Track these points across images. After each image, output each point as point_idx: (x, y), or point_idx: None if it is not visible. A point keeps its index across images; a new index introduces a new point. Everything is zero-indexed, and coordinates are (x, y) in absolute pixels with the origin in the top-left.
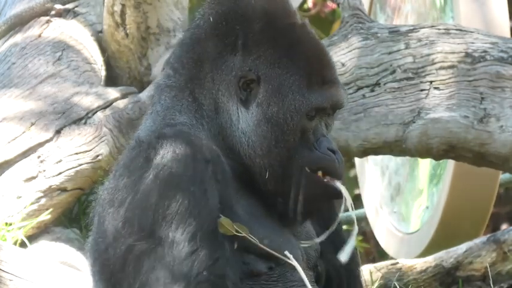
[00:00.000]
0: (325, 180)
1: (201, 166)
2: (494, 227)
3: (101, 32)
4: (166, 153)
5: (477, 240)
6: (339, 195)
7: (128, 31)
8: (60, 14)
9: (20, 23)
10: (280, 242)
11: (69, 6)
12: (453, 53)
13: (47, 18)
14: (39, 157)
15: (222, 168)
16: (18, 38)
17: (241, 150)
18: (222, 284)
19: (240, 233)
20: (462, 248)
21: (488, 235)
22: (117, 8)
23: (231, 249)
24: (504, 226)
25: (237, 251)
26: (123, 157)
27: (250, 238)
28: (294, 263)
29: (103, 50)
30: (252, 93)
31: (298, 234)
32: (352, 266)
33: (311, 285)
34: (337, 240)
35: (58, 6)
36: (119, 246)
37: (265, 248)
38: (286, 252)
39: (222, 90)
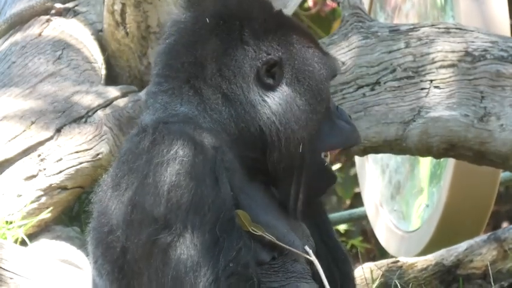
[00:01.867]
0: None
1: (210, 154)
2: (494, 225)
3: (101, 31)
4: (175, 140)
5: (478, 239)
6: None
7: (128, 30)
8: (60, 13)
9: (20, 21)
10: (285, 232)
11: (69, 5)
12: (453, 52)
13: (47, 17)
14: (39, 156)
15: (229, 157)
16: (18, 36)
17: (267, 130)
18: (247, 273)
19: (256, 232)
20: (463, 246)
21: (488, 233)
22: (117, 7)
23: (247, 237)
24: (505, 224)
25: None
26: (126, 144)
27: (266, 236)
28: (313, 257)
29: (103, 49)
30: (276, 77)
31: (297, 231)
32: (346, 268)
33: (311, 280)
34: (329, 242)
35: (58, 5)
36: (134, 233)
37: (281, 243)
38: (306, 247)
39: (238, 82)
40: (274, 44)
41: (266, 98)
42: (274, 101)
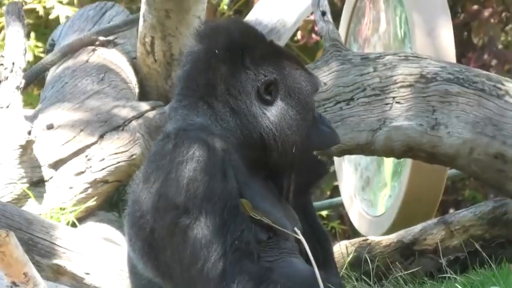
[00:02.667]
0: (320, 158)
1: (220, 155)
2: (443, 211)
3: (135, 58)
4: (192, 144)
5: (430, 222)
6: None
7: (156, 57)
8: (103, 44)
9: (72, 51)
10: (279, 216)
11: (110, 38)
12: (411, 74)
13: (93, 47)
14: (86, 156)
15: (235, 157)
16: (70, 62)
17: (266, 136)
18: (249, 249)
19: (256, 216)
20: (418, 227)
21: (438, 217)
22: (148, 40)
23: (249, 220)
24: (451, 210)
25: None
26: (154, 147)
27: (264, 220)
28: (300, 237)
29: (137, 72)
30: (273, 93)
31: (288, 216)
32: (327, 245)
33: (299, 255)
34: (313, 224)
35: (101, 38)
36: (160, 216)
37: (275, 225)
38: (295, 229)
39: (242, 99)
40: (270, 68)
41: (265, 111)
42: (272, 113)
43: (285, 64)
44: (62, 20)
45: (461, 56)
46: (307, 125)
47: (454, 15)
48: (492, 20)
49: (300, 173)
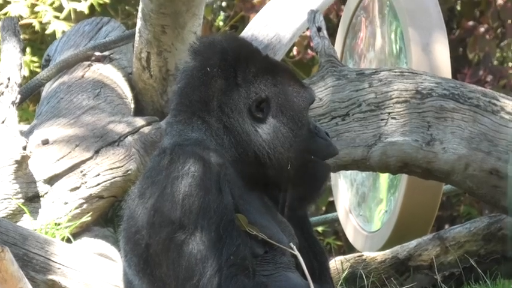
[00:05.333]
0: (324, 164)
1: (215, 170)
2: (438, 226)
3: (130, 73)
4: (188, 159)
5: (425, 237)
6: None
7: (152, 73)
8: (99, 60)
9: (67, 66)
10: (275, 231)
11: (106, 53)
12: (406, 90)
13: (88, 62)
14: (81, 172)
15: (230, 172)
16: (65, 78)
17: (260, 154)
18: (244, 265)
19: (252, 231)
20: (413, 243)
21: (433, 233)
22: (144, 55)
23: (244, 235)
24: (446, 226)
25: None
26: (150, 162)
27: (260, 234)
28: (296, 252)
29: (132, 87)
30: (265, 111)
31: (284, 231)
32: (323, 260)
33: (295, 270)
34: (309, 239)
35: (97, 53)
36: (156, 232)
37: (271, 241)
38: (291, 244)
39: (235, 117)
40: (261, 85)
41: (258, 129)
42: (264, 131)
43: (278, 81)
44: (58, 35)
45: (456, 71)
46: (301, 140)
47: (449, 31)
48: (487, 36)
49: (301, 183)
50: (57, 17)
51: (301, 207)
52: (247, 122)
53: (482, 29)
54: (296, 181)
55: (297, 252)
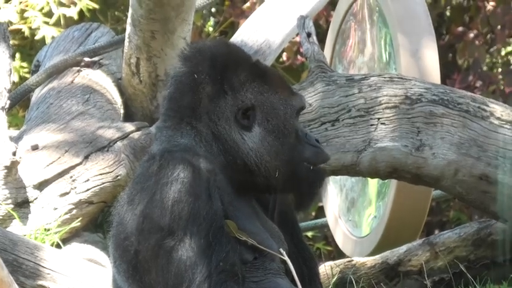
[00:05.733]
0: (318, 169)
1: (205, 176)
2: (428, 232)
3: (120, 79)
4: (177, 165)
5: (415, 243)
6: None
7: (141, 78)
8: (88, 65)
9: (57, 72)
10: (265, 237)
11: (96, 59)
12: (396, 96)
13: (78, 68)
14: (71, 177)
15: (220, 178)
16: (55, 83)
17: (248, 162)
18: (234, 271)
19: (241, 237)
20: (403, 248)
21: (423, 238)
22: (133, 61)
23: (234, 241)
24: (436, 231)
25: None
26: (139, 168)
27: (249, 240)
28: (286, 258)
29: (122, 93)
30: (251, 118)
31: (274, 237)
32: (312, 265)
33: (284, 276)
34: (299, 245)
35: (87, 59)
36: (145, 238)
37: (261, 246)
38: (281, 249)
39: (222, 124)
40: (248, 93)
41: (244, 137)
42: (250, 139)
43: (264, 88)
44: (48, 40)
45: (446, 77)
46: (289, 148)
47: (438, 36)
48: (477, 42)
49: (293, 189)
50: (46, 23)
51: (295, 211)
52: (234, 130)
53: (471, 35)
54: (288, 187)
55: (286, 258)
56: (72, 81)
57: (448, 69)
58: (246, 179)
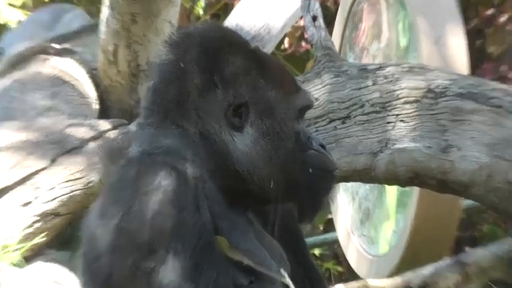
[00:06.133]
0: (325, 173)
1: (191, 183)
2: (457, 249)
3: (95, 69)
4: (159, 171)
5: (442, 262)
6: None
7: (119, 68)
8: (58, 53)
9: (22, 60)
10: (263, 256)
11: (66, 45)
12: (416, 88)
13: (46, 56)
14: (35, 184)
15: (209, 186)
16: (19, 74)
17: (240, 169)
18: None
19: (235, 256)
20: (428, 269)
21: (452, 257)
22: (111, 48)
23: (225, 261)
24: (467, 249)
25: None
26: (114, 175)
27: (244, 260)
28: (288, 281)
29: (97, 85)
30: (243, 117)
31: (274, 255)
32: (320, 287)
33: None
34: (305, 264)
35: (57, 46)
36: (120, 258)
37: (258, 267)
38: (282, 270)
39: (211, 123)
40: (240, 88)
41: (235, 138)
42: (242, 141)
43: (261, 82)
44: (13, 25)
45: (474, 67)
46: (284, 154)
47: (465, 20)
48: (509, 27)
49: (295, 197)
50: (12, 5)
51: (297, 223)
52: (224, 130)
53: (503, 19)
54: (287, 197)
55: (289, 281)
56: (39, 72)
57: (477, 58)
58: (238, 187)
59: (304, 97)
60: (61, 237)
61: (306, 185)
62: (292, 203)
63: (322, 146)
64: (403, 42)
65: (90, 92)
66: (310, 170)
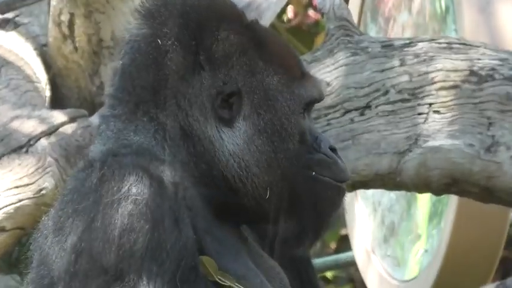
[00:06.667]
0: (336, 182)
1: (169, 191)
2: (504, 273)
3: (45, 45)
4: (127, 176)
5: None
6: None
7: (77, 44)
8: None
9: None
10: (258, 282)
11: (9, 15)
12: (456, 71)
13: None
14: None
15: (191, 194)
16: None
17: (229, 175)
18: None
19: (225, 282)
20: None
21: (497, 282)
22: (65, 18)
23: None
24: None
25: None
26: (71, 180)
27: (236, 286)
28: None
29: (48, 66)
30: (234, 109)
31: (273, 280)
32: None
33: None
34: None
35: None
36: (80, 285)
37: None
38: None
39: (195, 115)
40: (232, 71)
41: (223, 135)
42: (231, 140)
43: (259, 67)
44: None
45: None
46: (286, 158)
47: None
48: None
49: (295, 212)
50: None
51: (299, 246)
52: (210, 124)
53: None
54: (286, 213)
55: None
56: None
57: None
58: (227, 200)
59: (313, 86)
60: (7, 258)
61: (309, 198)
62: (292, 222)
63: (333, 150)
64: (439, 10)
65: (40, 75)
66: (315, 178)
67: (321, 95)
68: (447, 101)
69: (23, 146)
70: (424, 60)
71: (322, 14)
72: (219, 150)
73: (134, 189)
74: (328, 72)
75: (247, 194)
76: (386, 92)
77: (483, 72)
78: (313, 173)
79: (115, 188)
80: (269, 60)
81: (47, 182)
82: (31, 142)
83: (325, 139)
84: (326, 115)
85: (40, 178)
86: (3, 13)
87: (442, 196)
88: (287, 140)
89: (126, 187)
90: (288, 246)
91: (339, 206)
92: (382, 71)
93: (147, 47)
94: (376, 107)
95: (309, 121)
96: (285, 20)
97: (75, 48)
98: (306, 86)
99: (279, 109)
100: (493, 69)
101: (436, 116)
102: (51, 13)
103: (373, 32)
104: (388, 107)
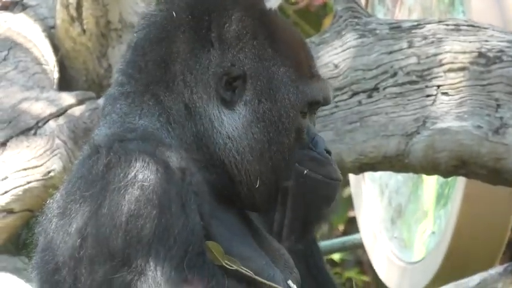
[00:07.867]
0: (328, 180)
1: (176, 177)
2: (511, 255)
3: (53, 27)
4: (134, 162)
5: (492, 271)
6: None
7: (85, 26)
8: (6, 7)
9: None
10: (264, 264)
11: None
12: (464, 52)
13: None
14: None
15: (198, 179)
16: None
17: (226, 159)
18: None
19: (231, 266)
20: (475, 279)
21: (505, 264)
22: (73, 0)
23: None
24: None
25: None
26: (77, 166)
27: (242, 270)
28: None
29: (56, 48)
30: (236, 92)
31: (278, 262)
32: None
33: None
34: (319, 275)
35: None
36: (86, 270)
37: (259, 278)
38: (289, 282)
39: (199, 92)
40: (241, 54)
41: (223, 117)
42: (231, 122)
43: (268, 54)
44: None
45: None
46: (279, 150)
47: None
48: None
49: (287, 204)
50: None
51: (289, 239)
52: (212, 102)
53: None
54: (280, 203)
55: None
56: None
57: None
58: (226, 187)
59: (320, 89)
60: (15, 240)
61: (300, 194)
62: (281, 215)
63: (328, 152)
64: None
65: (48, 57)
66: (307, 175)
67: (327, 99)
68: (455, 83)
69: (31, 128)
70: (432, 42)
71: None
72: (217, 130)
73: (141, 175)
74: (336, 54)
75: (241, 182)
76: (395, 74)
77: (491, 54)
78: (306, 170)
79: (121, 175)
80: (278, 49)
81: (55, 164)
82: (39, 124)
83: (322, 141)
84: (334, 97)
85: (48, 160)
86: None
87: (450, 178)
88: (283, 133)
89: (133, 173)
90: (282, 237)
91: (329, 204)
92: (390, 53)
93: (162, 20)
94: (384, 89)
95: (310, 121)
96: (292, 1)
97: (83, 31)
98: (313, 86)
99: (279, 100)
100: (501, 51)
101: (444, 97)
102: None
103: (380, 14)
104: (396, 89)
